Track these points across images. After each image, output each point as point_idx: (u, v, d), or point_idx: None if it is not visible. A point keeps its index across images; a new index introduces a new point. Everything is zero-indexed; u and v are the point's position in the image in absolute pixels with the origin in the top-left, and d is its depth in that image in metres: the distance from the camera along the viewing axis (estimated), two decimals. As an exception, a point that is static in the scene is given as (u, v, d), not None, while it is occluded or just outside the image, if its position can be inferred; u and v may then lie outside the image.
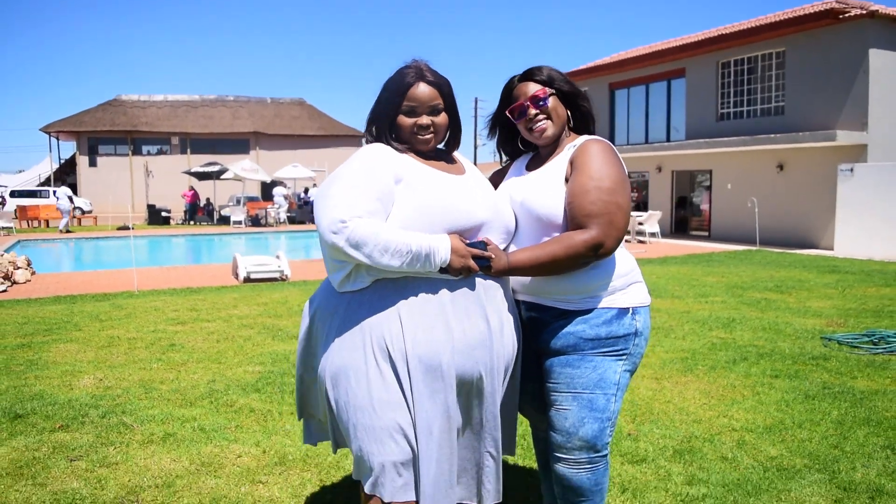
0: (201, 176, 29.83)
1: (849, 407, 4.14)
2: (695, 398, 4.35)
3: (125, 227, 24.67)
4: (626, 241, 18.66)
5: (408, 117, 2.15)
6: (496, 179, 2.50)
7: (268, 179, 29.86)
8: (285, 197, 28.42)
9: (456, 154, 2.33)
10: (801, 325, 6.62)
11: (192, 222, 28.44)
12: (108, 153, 39.53)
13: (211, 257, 17.67)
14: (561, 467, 2.23)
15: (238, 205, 28.46)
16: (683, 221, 21.34)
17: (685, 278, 10.32)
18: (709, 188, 20.27)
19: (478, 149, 53.56)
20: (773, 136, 17.01)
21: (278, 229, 25.31)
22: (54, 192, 23.91)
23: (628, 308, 2.21)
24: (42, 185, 41.57)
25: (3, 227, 23.19)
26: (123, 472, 3.23)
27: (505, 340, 2.14)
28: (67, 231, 23.36)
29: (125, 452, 3.48)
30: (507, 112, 2.32)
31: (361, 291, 2.10)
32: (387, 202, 2.06)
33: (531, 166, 2.38)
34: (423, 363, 2.01)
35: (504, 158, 2.54)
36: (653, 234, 18.84)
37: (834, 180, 15.93)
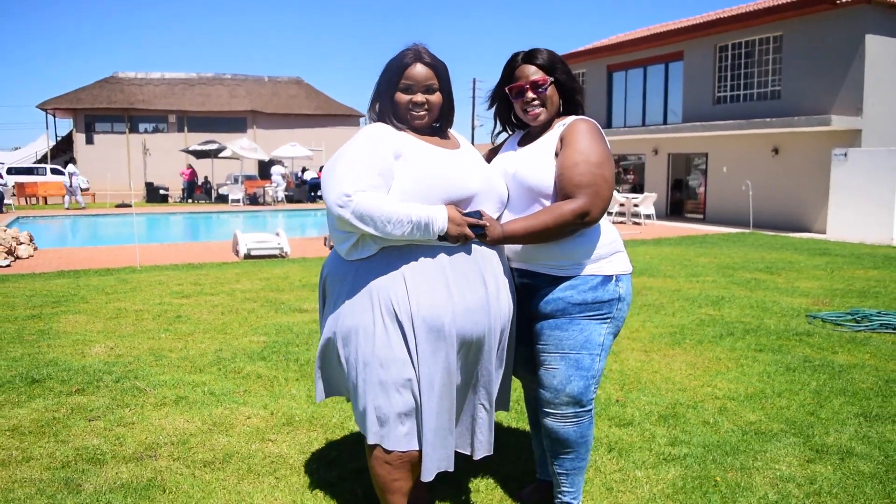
0: (199, 154, 29.86)
1: (827, 378, 4.36)
2: (681, 369, 4.56)
3: (124, 205, 24.78)
4: (622, 222, 18.87)
5: (404, 94, 2.32)
6: (490, 156, 2.69)
7: (266, 158, 29.93)
8: (283, 176, 28.48)
9: (451, 131, 2.51)
10: (787, 304, 6.83)
11: (189, 200, 28.53)
12: (105, 131, 39.46)
13: (210, 235, 17.82)
14: (549, 421, 2.43)
15: (236, 183, 28.53)
16: (679, 204, 21.52)
17: (678, 259, 10.53)
18: (704, 171, 20.44)
19: (475, 129, 53.50)
20: (768, 120, 17.15)
21: (276, 208, 25.43)
22: (67, 171, 24.24)
23: (612, 275, 2.40)
24: (38, 162, 41.51)
25: (4, 204, 23.27)
26: (140, 431, 3.43)
27: (501, 303, 2.33)
28: (77, 208, 23.64)
29: (140, 413, 3.67)
30: (506, 89, 2.49)
31: (368, 259, 2.28)
32: (388, 176, 2.24)
33: (523, 143, 2.56)
34: (427, 324, 2.20)
35: (498, 129, 2.71)
36: (648, 216, 19.03)
37: (828, 165, 16.10)
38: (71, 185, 24.05)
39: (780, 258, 10.80)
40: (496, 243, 2.32)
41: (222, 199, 28.25)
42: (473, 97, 58.42)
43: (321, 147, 38.43)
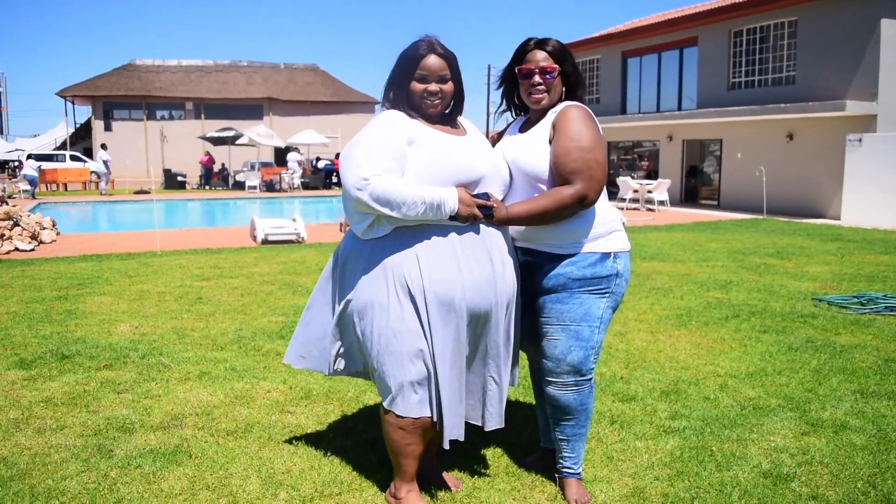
0: (216, 141, 30.13)
1: (828, 358, 4.48)
2: (685, 349, 4.69)
3: (143, 191, 25.10)
4: (636, 208, 18.91)
5: (419, 83, 2.47)
6: (495, 140, 2.83)
7: (282, 145, 30.14)
8: (299, 163, 28.70)
9: (459, 119, 2.66)
10: (794, 288, 6.93)
11: (207, 187, 28.83)
12: (123, 118, 39.83)
13: (227, 221, 18.07)
14: (551, 389, 2.59)
15: (252, 170, 28.79)
16: (693, 190, 21.50)
17: (689, 244, 10.61)
18: (719, 157, 20.41)
19: (491, 116, 53.53)
20: (783, 105, 17.09)
21: (292, 194, 25.66)
22: (100, 157, 24.83)
23: (610, 252, 2.55)
24: (58, 149, 42.02)
25: (24, 190, 23.67)
26: (166, 403, 3.62)
27: (507, 279, 2.49)
28: (109, 193, 24.16)
29: (166, 387, 3.87)
30: (516, 70, 2.63)
31: (383, 238, 2.45)
32: (402, 161, 2.39)
33: (523, 129, 2.71)
34: (439, 298, 2.36)
35: (503, 108, 2.84)
36: (661, 203, 19.05)
37: (843, 150, 16.05)
38: (107, 171, 24.59)
39: (791, 243, 10.86)
40: (501, 224, 2.48)
41: (239, 185, 28.52)
42: (488, 83, 58.22)
43: (337, 134, 38.60)
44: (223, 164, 30.63)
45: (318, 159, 32.40)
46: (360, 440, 3.16)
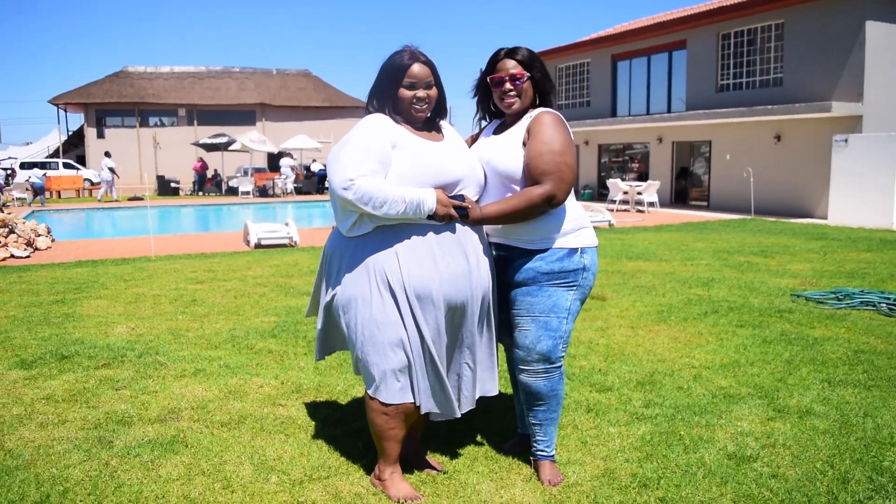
0: (209, 147, 30.24)
1: (800, 350, 4.66)
2: (664, 343, 4.87)
3: (136, 198, 25.21)
4: (626, 210, 19.12)
5: (408, 90, 2.64)
6: (471, 142, 3.01)
7: (275, 151, 30.27)
8: (292, 168, 28.85)
9: (441, 123, 2.83)
10: (774, 285, 7.12)
11: (200, 193, 28.96)
12: (115, 125, 39.93)
13: (221, 226, 18.21)
14: (523, 377, 2.76)
15: (246, 176, 28.92)
16: (683, 192, 21.73)
17: (676, 244, 10.80)
18: (708, 159, 20.64)
19: (472, 122, 53.72)
20: (770, 107, 17.33)
21: (285, 199, 25.81)
22: (104, 164, 25.05)
23: (577, 248, 2.72)
24: (50, 156, 42.09)
25: (18, 198, 23.77)
26: (163, 398, 3.78)
27: (482, 273, 2.66)
28: (112, 200, 24.26)
29: (162, 384, 4.02)
30: (488, 79, 2.81)
31: (365, 236, 2.62)
32: (386, 163, 2.56)
33: (497, 131, 2.88)
34: (417, 291, 2.53)
35: (479, 115, 3.02)
36: (651, 204, 19.26)
37: (829, 151, 16.29)
38: (110, 178, 24.75)
39: (776, 242, 11.06)
40: (475, 223, 2.65)
41: (232, 191, 28.66)
42: (480, 87, 58.30)
43: (329, 139, 38.74)
44: (216, 170, 30.77)
45: (313, 161, 32.56)
46: (348, 429, 3.32)
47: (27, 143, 54.51)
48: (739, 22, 19.15)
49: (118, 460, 2.98)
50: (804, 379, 4.07)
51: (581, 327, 5.26)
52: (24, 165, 33.96)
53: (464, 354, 2.71)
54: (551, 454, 2.83)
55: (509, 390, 3.76)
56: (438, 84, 2.72)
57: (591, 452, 3.06)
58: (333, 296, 2.69)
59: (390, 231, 2.59)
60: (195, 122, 41.25)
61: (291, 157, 30.02)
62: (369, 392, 2.62)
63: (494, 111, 2.94)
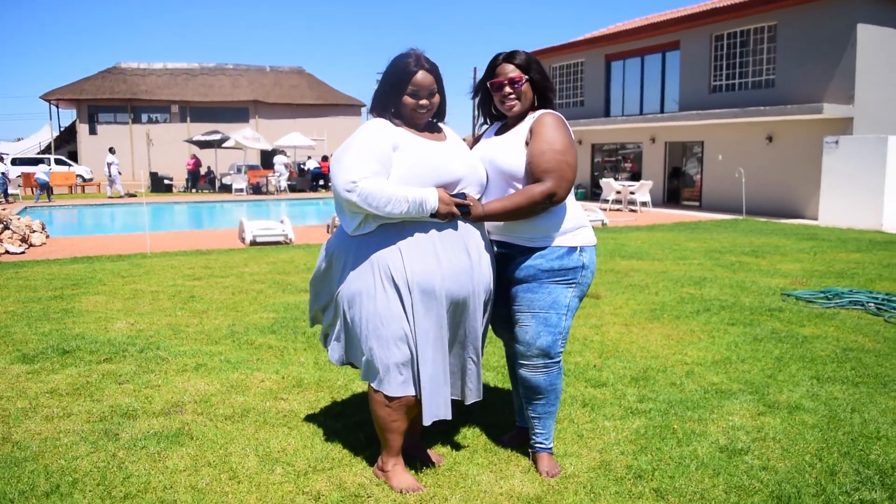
0: (203, 144, 30.23)
1: (789, 347, 4.76)
2: (657, 340, 4.96)
3: (129, 195, 25.18)
4: (619, 209, 19.24)
5: (412, 98, 2.71)
6: (472, 144, 3.09)
7: (269, 148, 30.29)
8: (286, 165, 28.86)
9: (440, 124, 2.91)
10: (765, 284, 7.22)
11: (193, 190, 28.94)
12: (107, 121, 39.83)
13: (215, 223, 18.23)
14: (523, 371, 2.84)
15: (239, 173, 28.93)
16: (676, 192, 21.87)
17: (668, 243, 10.91)
18: (701, 159, 20.78)
19: (476, 124, 53.87)
20: (762, 108, 17.47)
21: (279, 197, 25.82)
22: (108, 160, 25.10)
23: (577, 246, 2.80)
24: (42, 152, 41.92)
25: (11, 194, 23.69)
26: (166, 392, 3.84)
27: (483, 269, 2.74)
28: (124, 195, 24.39)
29: (165, 378, 4.08)
30: (487, 84, 2.89)
31: (369, 234, 2.69)
32: (387, 165, 2.64)
33: (500, 132, 2.96)
34: (420, 286, 2.60)
35: (480, 120, 3.11)
36: (644, 204, 19.39)
37: (820, 152, 16.44)
38: (111, 174, 24.75)
39: (767, 242, 11.19)
40: (477, 220, 2.73)
41: (226, 188, 28.65)
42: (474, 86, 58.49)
43: (323, 137, 38.75)
44: (209, 167, 30.74)
45: (308, 158, 32.59)
46: (349, 422, 3.40)
47: (18, 139, 54.24)
48: (732, 23, 19.28)
49: (125, 452, 3.04)
50: (794, 376, 4.16)
51: (576, 324, 5.34)
52: (15, 161, 33.83)
53: (467, 349, 2.78)
54: (549, 446, 2.92)
55: (507, 385, 3.85)
56: (441, 90, 2.80)
57: (588, 445, 3.15)
58: (338, 292, 2.76)
59: (394, 228, 2.66)
60: (188, 118, 41.18)
61: (285, 154, 30.02)
62: (373, 385, 2.70)
63: (496, 114, 3.02)
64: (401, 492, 2.70)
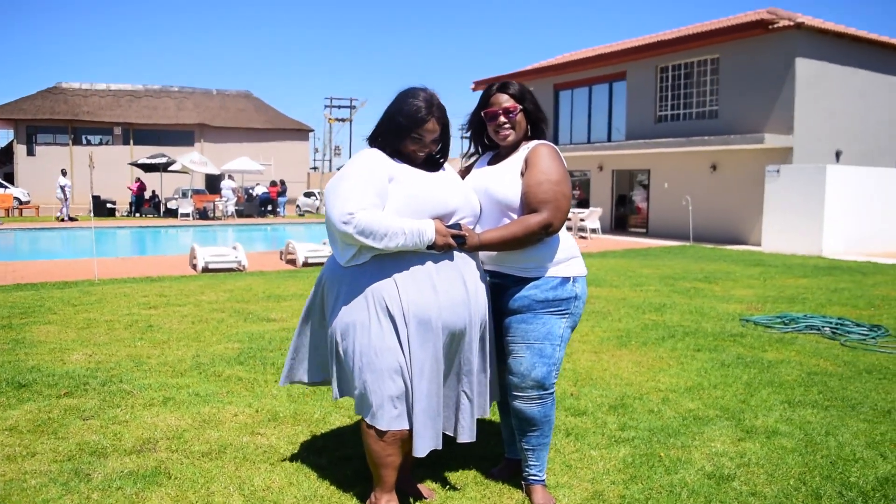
0: (148, 168, 29.58)
1: (757, 372, 4.86)
2: (628, 367, 5.00)
3: (71, 219, 24.39)
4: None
5: (413, 143, 2.69)
6: (464, 174, 3.08)
7: (217, 172, 29.80)
8: (234, 190, 28.42)
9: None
10: (723, 310, 7.39)
11: (137, 214, 28.21)
12: (47, 142, 38.67)
13: (161, 249, 17.78)
14: (517, 403, 2.81)
15: (185, 197, 28.35)
16: (623, 218, 22.34)
17: (623, 270, 11.09)
18: (647, 187, 21.29)
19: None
20: (706, 137, 18.06)
21: (226, 222, 25.41)
22: (59, 182, 24.37)
23: (570, 277, 2.81)
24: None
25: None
26: (135, 428, 3.68)
27: (479, 300, 2.72)
28: (65, 219, 23.67)
29: (132, 413, 3.91)
30: (482, 113, 2.89)
31: (364, 264, 2.64)
32: (384, 196, 2.61)
33: (493, 162, 2.96)
34: (417, 318, 2.56)
35: (471, 150, 3.11)
36: (594, 230, 19.72)
37: (762, 180, 17.04)
38: (66, 197, 24.08)
39: (717, 269, 11.48)
40: (473, 250, 2.71)
41: (171, 213, 28.04)
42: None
43: (270, 162, 38.37)
44: (154, 191, 30.05)
45: (257, 184, 32.18)
46: (333, 458, 3.31)
47: (-52, 160, 52.05)
48: (677, 56, 19.94)
49: (100, 494, 2.89)
50: (765, 400, 4.25)
51: (546, 352, 5.35)
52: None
53: (462, 383, 2.75)
54: (543, 478, 2.89)
55: (493, 416, 3.82)
56: (445, 132, 2.77)
57: (577, 475, 3.13)
58: (329, 324, 2.70)
59: (389, 259, 2.63)
60: (131, 141, 40.27)
61: (232, 178, 29.58)
62: (366, 420, 2.63)
63: (488, 144, 3.03)
64: (396, 529, 2.63)
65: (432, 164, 2.83)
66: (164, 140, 40.81)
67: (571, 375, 4.77)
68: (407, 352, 2.58)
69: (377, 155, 2.68)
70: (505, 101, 2.84)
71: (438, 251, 2.63)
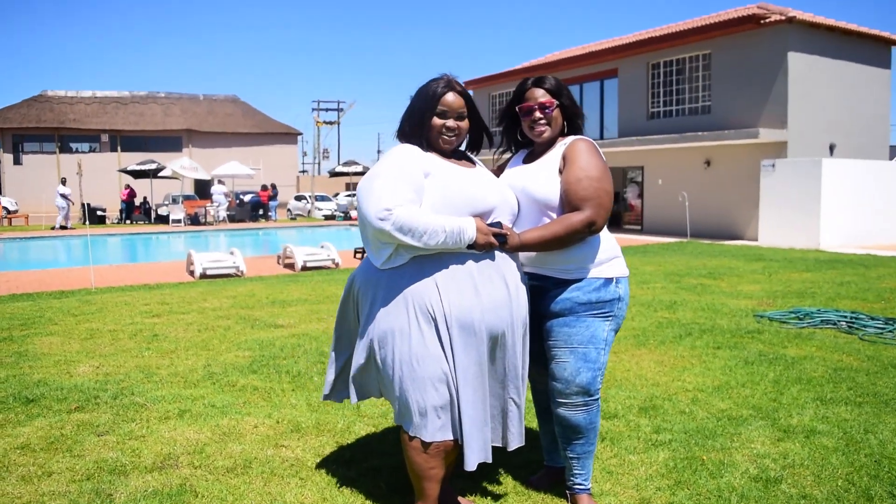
0: (137, 174, 29.30)
1: (783, 370, 4.77)
2: (650, 367, 4.91)
3: (62, 227, 24.10)
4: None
5: (439, 118, 2.58)
6: (497, 172, 2.96)
7: (208, 177, 29.56)
8: (225, 195, 28.20)
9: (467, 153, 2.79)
10: (735, 306, 7.32)
11: (128, 221, 27.93)
12: (34, 150, 38.29)
13: (155, 255, 17.56)
14: (562, 410, 2.70)
15: (176, 203, 28.09)
16: (617, 216, 22.29)
17: (626, 267, 11.00)
18: (641, 183, 21.25)
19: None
20: (700, 133, 18.02)
21: (218, 227, 25.17)
22: (58, 191, 24.25)
23: (612, 278, 2.70)
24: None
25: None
26: (154, 443, 3.54)
27: (520, 301, 2.60)
28: (58, 228, 23.55)
29: (148, 427, 3.77)
30: (516, 108, 2.78)
31: (401, 266, 2.52)
32: (420, 192, 2.49)
33: (528, 160, 2.85)
34: (459, 322, 2.44)
35: (503, 147, 2.99)
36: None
37: (757, 175, 17.02)
38: (65, 206, 23.97)
39: (720, 264, 11.42)
40: (514, 251, 2.59)
41: (161, 219, 27.79)
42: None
43: (259, 166, 38.14)
44: (144, 198, 29.77)
45: (244, 194, 32.05)
46: (362, 469, 3.18)
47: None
48: (667, 52, 19.91)
49: (125, 514, 2.76)
50: (796, 398, 4.16)
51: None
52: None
53: (508, 389, 2.63)
54: (588, 487, 2.78)
55: (531, 422, 3.70)
56: (474, 117, 2.68)
57: (620, 482, 3.02)
58: (366, 331, 2.58)
59: (428, 260, 2.50)
60: (119, 148, 39.92)
61: (223, 183, 29.35)
62: (409, 431, 2.51)
63: (522, 140, 2.92)
64: (441, 544, 2.51)
65: (465, 159, 2.72)
66: (151, 146, 40.49)
67: (594, 377, 4.66)
68: (450, 358, 2.46)
69: (411, 150, 2.57)
70: (541, 95, 2.73)
71: (479, 251, 2.51)
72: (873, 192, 16.18)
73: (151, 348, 5.62)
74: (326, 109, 56.96)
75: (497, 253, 2.58)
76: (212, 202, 27.74)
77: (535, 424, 3.56)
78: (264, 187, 31.21)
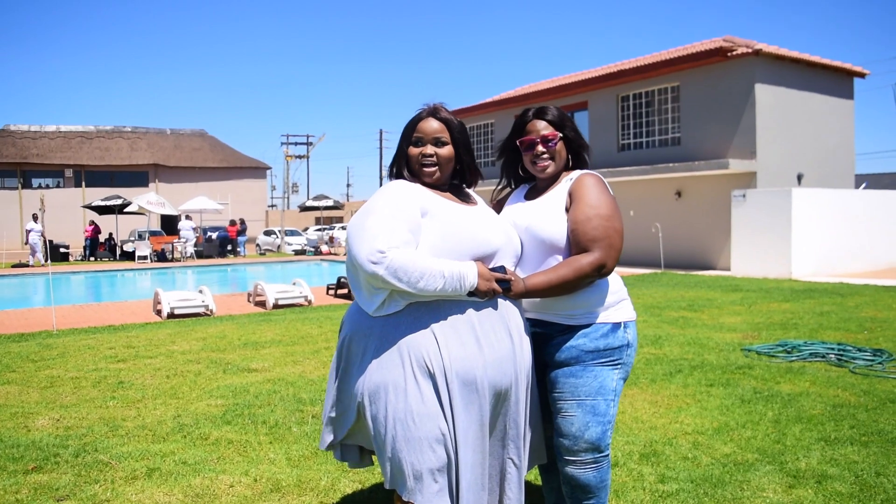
0: (102, 210, 28.69)
1: (780, 408, 4.62)
2: (645, 408, 4.71)
3: (21, 265, 23.40)
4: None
5: (415, 147, 2.41)
6: (496, 208, 2.76)
7: (175, 213, 29.03)
8: (194, 230, 27.70)
9: (468, 190, 2.58)
10: (720, 339, 7.19)
11: (92, 258, 27.24)
12: (-6, 187, 37.37)
13: (120, 294, 17.04)
14: (570, 469, 2.48)
15: (142, 239, 27.50)
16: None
17: (605, 300, 10.87)
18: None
19: (383, 179, 54.14)
20: (671, 164, 18.15)
21: (186, 264, 24.64)
22: (27, 227, 23.80)
23: (620, 322, 2.51)
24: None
25: None
26: (119, 507, 3.24)
27: (525, 352, 2.39)
28: (31, 265, 23.20)
29: (113, 489, 3.47)
30: (517, 142, 2.60)
31: (396, 314, 2.29)
32: (417, 233, 2.27)
33: (530, 196, 2.65)
34: (460, 377, 2.22)
35: (503, 184, 2.80)
36: (564, 259, 19.57)
37: (728, 205, 17.14)
38: (28, 242, 23.47)
39: (698, 296, 11.35)
40: (519, 297, 2.39)
41: (127, 255, 27.18)
42: (381, 148, 59.11)
43: (227, 201, 37.70)
44: (110, 234, 29.13)
45: (213, 230, 31.59)
46: (351, 533, 2.92)
47: None
48: (637, 85, 20.12)
49: None
50: (800, 439, 3.99)
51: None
52: None
53: (508, 449, 2.40)
54: (600, 549, 2.55)
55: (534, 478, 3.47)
56: (458, 145, 2.48)
57: (631, 542, 2.81)
58: (356, 385, 2.34)
59: (425, 308, 2.29)
60: (83, 183, 39.18)
61: (190, 219, 28.84)
62: (402, 496, 2.27)
63: (523, 175, 2.73)
64: None
65: (460, 194, 2.52)
66: (117, 181, 39.82)
67: (587, 420, 4.45)
68: (450, 417, 2.23)
69: (406, 186, 2.36)
70: (543, 128, 2.55)
71: (481, 298, 2.31)
72: (841, 220, 16.36)
73: (116, 397, 5.29)
74: (296, 143, 56.69)
75: (500, 300, 2.37)
76: (179, 238, 27.21)
77: (534, 476, 3.34)
78: (232, 222, 30.77)
